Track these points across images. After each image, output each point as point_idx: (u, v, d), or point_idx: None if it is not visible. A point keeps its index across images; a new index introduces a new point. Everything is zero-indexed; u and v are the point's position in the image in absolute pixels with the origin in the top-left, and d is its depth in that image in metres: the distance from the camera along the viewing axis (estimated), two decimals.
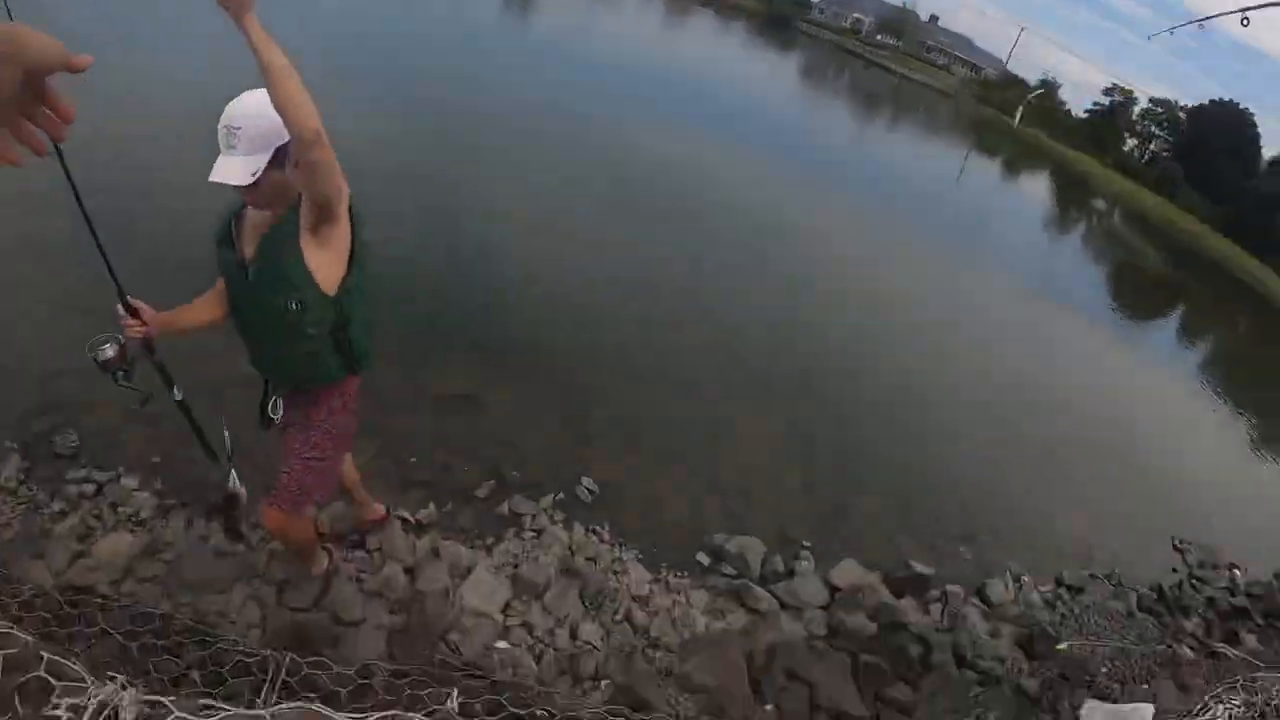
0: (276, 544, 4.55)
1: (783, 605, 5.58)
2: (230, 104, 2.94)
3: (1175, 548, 8.81)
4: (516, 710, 3.54)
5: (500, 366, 7.68)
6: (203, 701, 2.18)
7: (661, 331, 9.51)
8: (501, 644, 4.58)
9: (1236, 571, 8.45)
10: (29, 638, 2.26)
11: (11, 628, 2.29)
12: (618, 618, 4.94)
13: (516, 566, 5.12)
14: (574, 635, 4.75)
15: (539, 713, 3.66)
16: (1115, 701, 5.09)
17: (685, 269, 11.74)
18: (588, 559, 5.32)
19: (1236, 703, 4.31)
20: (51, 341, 6.55)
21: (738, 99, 31.54)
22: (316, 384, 3.50)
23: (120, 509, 5.07)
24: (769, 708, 4.56)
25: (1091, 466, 10.24)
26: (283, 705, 2.26)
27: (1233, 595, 7.78)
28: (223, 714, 2.11)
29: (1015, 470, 9.41)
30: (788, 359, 9.93)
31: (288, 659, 3.40)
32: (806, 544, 6.38)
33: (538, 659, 4.57)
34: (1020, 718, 5.14)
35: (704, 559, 5.87)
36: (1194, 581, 8.07)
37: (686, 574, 5.68)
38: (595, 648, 4.67)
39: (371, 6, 25.57)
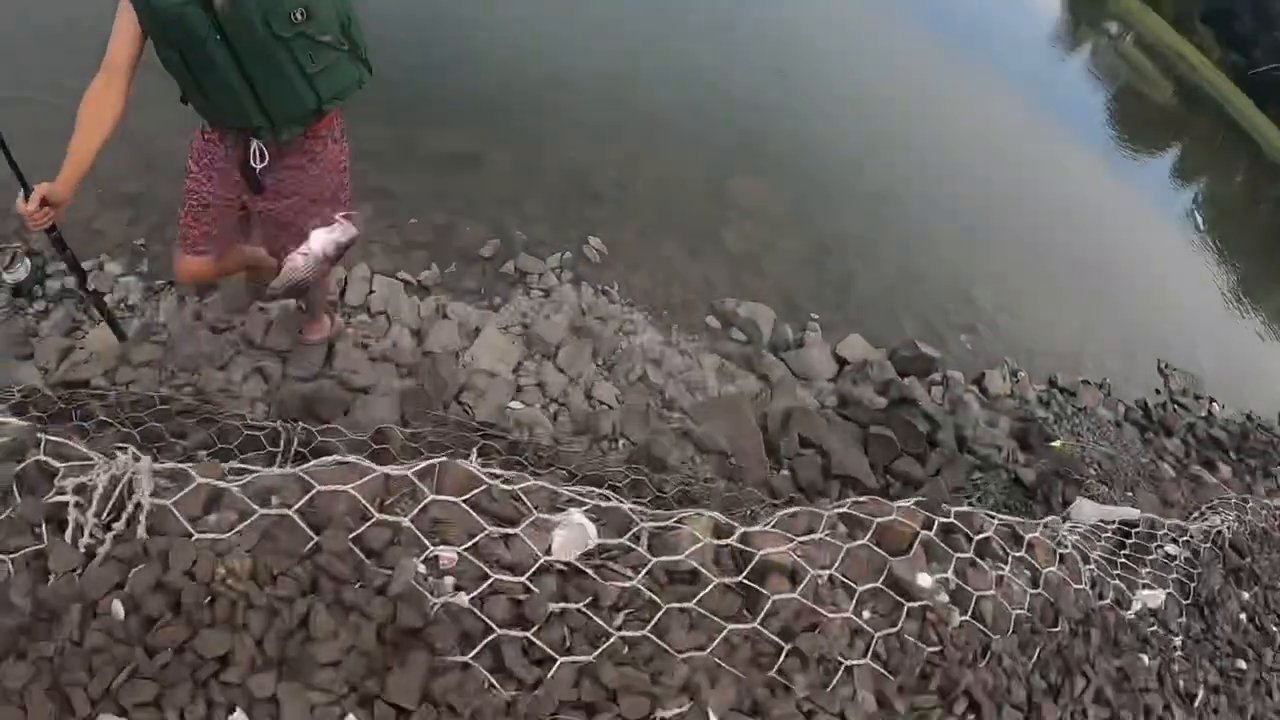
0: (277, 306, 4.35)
1: (793, 373, 5.55)
2: None
3: (1160, 371, 8.90)
4: (537, 469, 3.44)
5: (500, 125, 7.30)
6: (230, 464, 1.99)
7: (668, 93, 9.07)
8: (516, 404, 4.51)
9: (1214, 405, 8.56)
10: (22, 423, 2.03)
11: (6, 418, 2.07)
12: (632, 378, 4.87)
13: (527, 326, 4.99)
14: (589, 395, 4.68)
15: (559, 470, 3.56)
16: (1102, 503, 5.12)
17: (695, 32, 11.11)
18: (599, 319, 5.21)
19: (1231, 517, 4.32)
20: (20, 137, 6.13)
21: None
22: (338, 103, 3.04)
23: (106, 297, 4.81)
24: (784, 473, 4.52)
25: (1085, 281, 10.22)
26: (314, 462, 2.06)
27: (1210, 426, 7.92)
28: (252, 475, 1.92)
29: (1015, 272, 9.35)
30: (796, 134, 9.58)
31: (299, 428, 3.30)
32: (815, 315, 6.34)
33: (553, 418, 4.51)
34: (1016, 503, 5.17)
35: (714, 323, 5.81)
36: (1176, 405, 8.18)
37: (697, 337, 5.63)
38: (611, 408, 4.61)
39: None
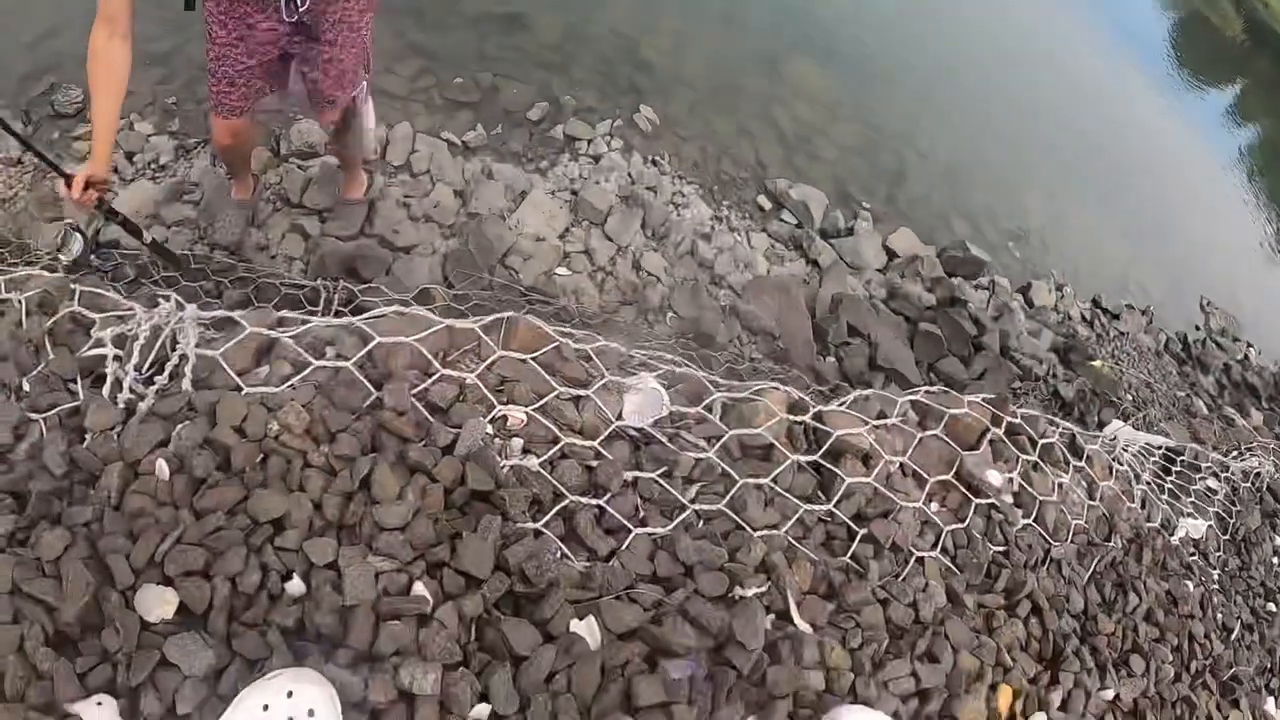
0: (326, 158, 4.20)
1: (842, 260, 5.41)
2: None
3: (1201, 307, 8.70)
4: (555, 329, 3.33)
5: None
6: (280, 314, 1.87)
7: None
8: (563, 270, 4.39)
9: (1251, 350, 8.39)
10: (53, 274, 1.92)
11: (34, 270, 1.96)
12: (681, 251, 4.74)
13: (575, 192, 4.83)
14: (637, 266, 4.55)
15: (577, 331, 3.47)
16: (1136, 429, 5.06)
17: None
18: (649, 189, 5.04)
19: (1269, 463, 4.26)
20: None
21: None
22: None
23: (137, 157, 4.69)
24: (830, 360, 4.44)
25: (1134, 205, 9.90)
26: (374, 312, 1.94)
27: (1245, 370, 7.76)
28: (306, 325, 1.80)
29: (1066, 185, 9.03)
30: (854, 20, 9.05)
31: (339, 287, 3.21)
32: (866, 205, 6.15)
33: (600, 287, 4.40)
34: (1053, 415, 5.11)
35: (765, 203, 5.62)
36: (1214, 343, 8.02)
37: (747, 215, 5.48)
38: (659, 279, 4.48)
39: None
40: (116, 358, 1.62)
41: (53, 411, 1.52)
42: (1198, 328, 8.33)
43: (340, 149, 3.97)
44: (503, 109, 5.48)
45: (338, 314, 3.06)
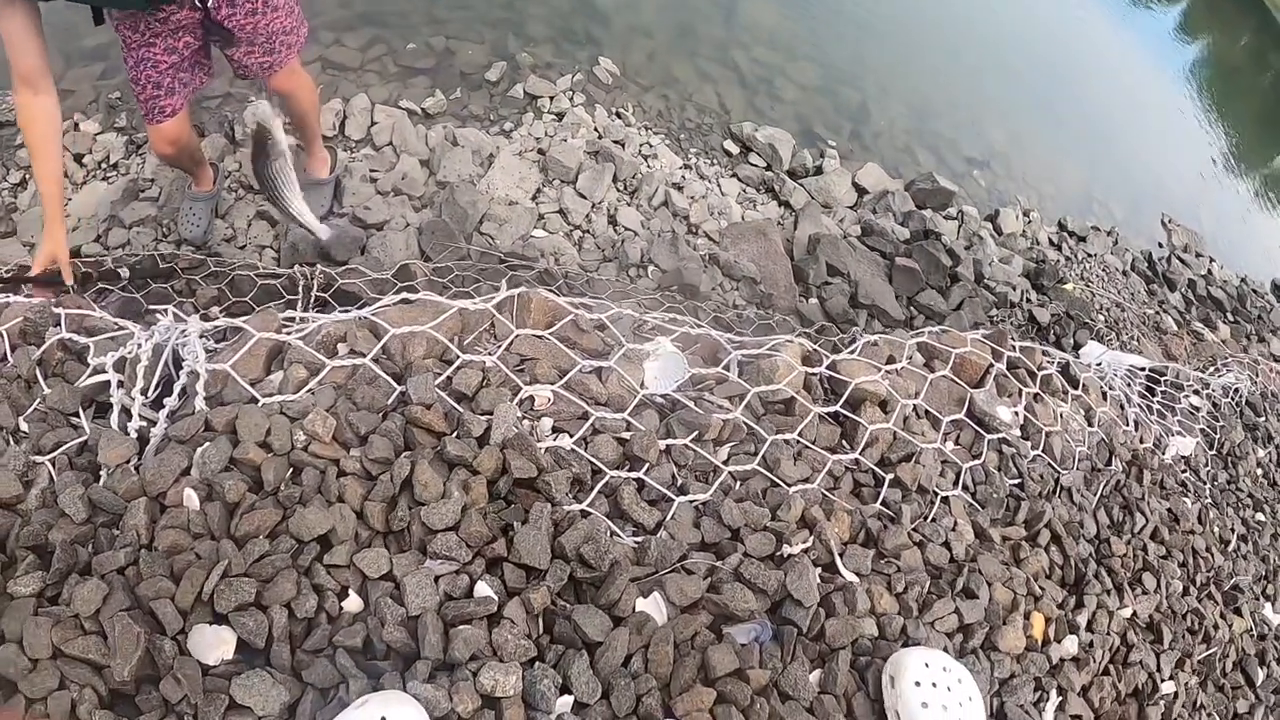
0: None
1: (813, 200, 5.39)
2: None
3: (1163, 225, 8.76)
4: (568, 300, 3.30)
5: None
6: (287, 314, 1.85)
7: None
8: (539, 232, 4.33)
9: (1214, 265, 8.49)
10: (32, 299, 1.84)
11: (8, 298, 1.87)
12: (655, 203, 4.68)
13: (543, 151, 4.73)
14: (613, 221, 4.50)
15: (588, 300, 3.44)
16: (1110, 348, 5.13)
17: None
18: (616, 142, 4.96)
19: (1244, 377, 4.33)
20: None
21: None
22: None
23: (86, 159, 4.51)
24: (812, 301, 4.44)
25: (1090, 127, 9.91)
26: (381, 302, 1.92)
27: (1209, 285, 7.86)
28: (314, 325, 1.78)
29: (1023, 112, 9.04)
30: None
31: (317, 271, 3.11)
32: (832, 143, 6.10)
33: (578, 246, 4.35)
34: (1031, 340, 5.16)
35: (732, 148, 5.58)
36: (1178, 260, 8.10)
37: (716, 161, 5.43)
38: (636, 233, 4.44)
39: None
40: (120, 384, 1.57)
41: (59, 451, 1.46)
42: (1160, 245, 8.41)
43: (296, 122, 3.86)
44: (459, 72, 5.36)
45: (318, 299, 3.02)
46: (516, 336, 1.80)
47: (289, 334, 1.70)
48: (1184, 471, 3.11)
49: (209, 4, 2.79)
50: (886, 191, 5.66)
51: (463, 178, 4.38)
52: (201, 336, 1.67)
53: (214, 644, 1.22)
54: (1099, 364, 3.43)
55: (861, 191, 5.69)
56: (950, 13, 10.11)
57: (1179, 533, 2.70)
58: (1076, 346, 5.23)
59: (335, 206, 4.13)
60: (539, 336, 1.84)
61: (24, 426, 1.52)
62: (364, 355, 1.65)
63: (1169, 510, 2.75)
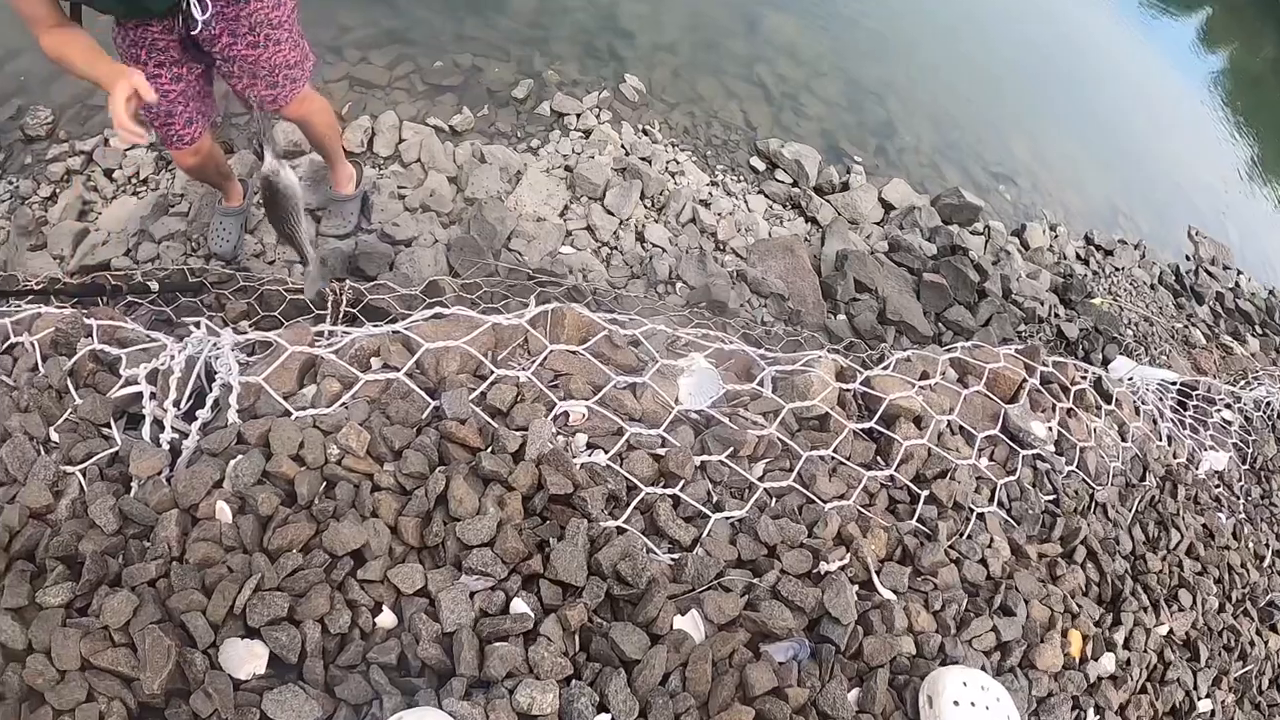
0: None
1: (840, 216, 5.38)
2: None
3: (1190, 237, 8.67)
4: (601, 316, 3.30)
5: None
6: (318, 329, 1.87)
7: None
8: (567, 249, 4.33)
9: (1241, 277, 8.41)
10: (63, 310, 1.84)
11: (39, 308, 1.87)
12: (683, 219, 4.69)
13: (570, 168, 4.75)
14: (640, 238, 4.51)
15: (621, 315, 3.44)
16: (1139, 363, 5.09)
17: None
18: (643, 159, 4.97)
19: (1276, 390, 4.29)
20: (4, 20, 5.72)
21: None
22: None
23: (116, 174, 4.56)
24: (840, 317, 4.43)
25: (1114, 139, 9.84)
26: (415, 316, 1.93)
27: (1237, 298, 7.76)
28: (347, 338, 1.78)
29: (1048, 126, 8.97)
30: None
31: (346, 287, 3.12)
32: (858, 159, 6.08)
33: (606, 262, 4.35)
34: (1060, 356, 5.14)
35: (758, 164, 5.57)
36: (1206, 272, 8.02)
37: (742, 178, 5.42)
38: (664, 250, 4.44)
39: None
40: (152, 395, 1.56)
41: (90, 461, 1.47)
42: (1188, 258, 8.31)
43: (315, 144, 3.88)
44: (487, 89, 5.40)
45: (347, 315, 3.03)
46: (550, 352, 1.80)
47: (322, 348, 1.71)
48: (1218, 487, 3.08)
49: (196, 29, 2.75)
50: (913, 207, 5.64)
51: (491, 194, 4.40)
52: (234, 349, 1.68)
53: (246, 658, 1.22)
54: (1129, 379, 3.40)
55: (888, 207, 5.67)
56: (972, 25, 10.06)
57: (1214, 549, 2.68)
58: (1105, 362, 5.19)
59: (363, 222, 4.15)
60: (573, 352, 1.84)
61: (54, 437, 1.53)
62: (398, 369, 1.65)
63: (1204, 526, 2.73)
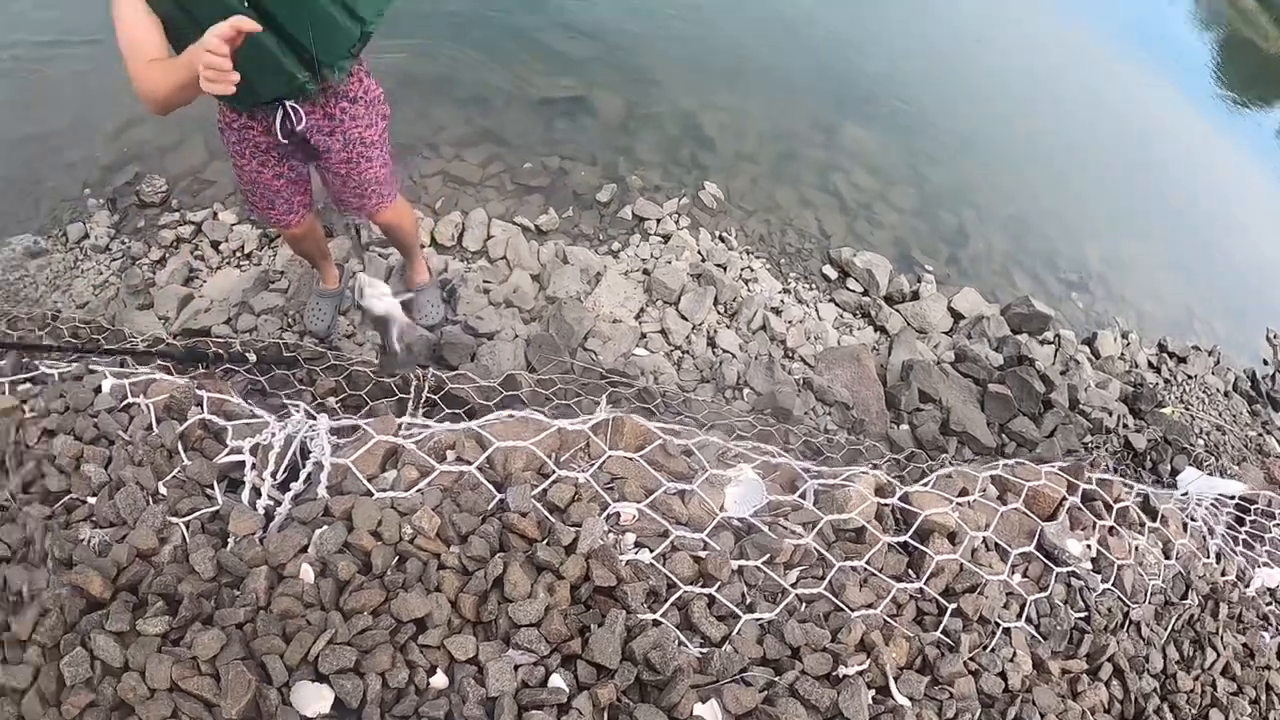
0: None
1: (910, 326, 5.49)
2: None
3: (1269, 340, 8.51)
4: (664, 418, 3.46)
5: (606, 65, 7.24)
6: (401, 421, 2.06)
7: (778, 35, 8.81)
8: (640, 350, 4.52)
9: None
10: (179, 379, 2.08)
11: (154, 372, 2.12)
12: (754, 326, 4.84)
13: (648, 272, 4.98)
14: (712, 343, 4.68)
15: (687, 419, 3.60)
16: (1210, 474, 5.05)
17: None
18: (719, 266, 5.16)
19: None
20: (120, 91, 6.18)
21: None
22: (380, 22, 2.83)
23: (222, 245, 4.92)
24: (903, 427, 4.51)
25: (1190, 239, 9.73)
26: (489, 416, 2.13)
27: None
28: (428, 431, 1.99)
29: (1123, 227, 8.90)
30: (907, 79, 9.19)
31: (429, 374, 3.33)
32: (929, 267, 6.21)
33: (678, 365, 4.52)
34: (1126, 468, 5.12)
35: (830, 273, 5.73)
36: None
37: (814, 286, 5.58)
38: (734, 355, 4.60)
39: None
40: (253, 465, 1.79)
41: (193, 516, 1.69)
42: (1265, 362, 8.15)
43: (396, 244, 4.17)
44: (573, 192, 5.67)
45: (428, 400, 3.23)
46: (609, 457, 1.98)
47: (405, 438, 1.92)
48: (1269, 604, 3.07)
49: (292, 136, 2.98)
50: (981, 317, 5.72)
51: (571, 294, 4.62)
52: (328, 432, 1.90)
53: (314, 699, 1.43)
54: (1184, 493, 3.42)
55: (957, 317, 5.77)
56: (1045, 128, 10.08)
57: (1254, 668, 2.67)
58: (1174, 472, 5.17)
59: (450, 313, 4.40)
60: (629, 458, 2.01)
61: (163, 490, 1.76)
62: (470, 463, 1.85)
63: (1245, 645, 2.73)
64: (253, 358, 3.18)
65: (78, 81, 6.25)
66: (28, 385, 2.04)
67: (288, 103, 2.86)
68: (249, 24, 2.07)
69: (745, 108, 7.23)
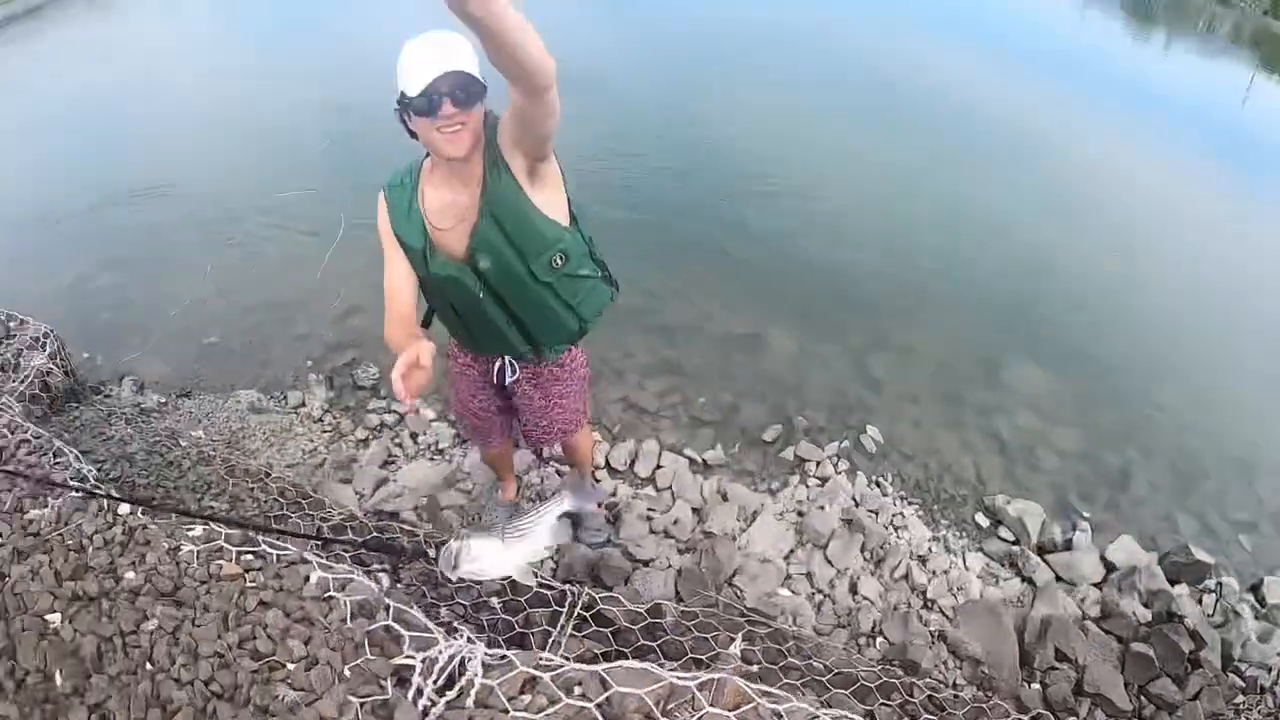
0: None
1: (1057, 578, 5.56)
2: (418, 46, 2.62)
3: None
4: (795, 661, 3.86)
5: (785, 303, 7.84)
6: (542, 656, 2.57)
7: (955, 268, 9.17)
8: (784, 591, 4.83)
9: None
10: (374, 585, 2.71)
11: (352, 573, 2.74)
12: (897, 575, 5.08)
13: (801, 514, 5.35)
14: (854, 589, 4.94)
15: (816, 664, 3.96)
16: None
17: (983, 206, 10.97)
18: (870, 511, 5.45)
19: None
20: (350, 280, 7.45)
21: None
22: (597, 321, 3.42)
23: (420, 439, 5.71)
24: (1035, 686, 4.64)
25: None
26: (626, 662, 2.61)
27: None
28: (562, 669, 2.49)
29: None
30: (1082, 311, 9.29)
31: (584, 593, 3.83)
32: (1085, 515, 6.28)
33: (817, 609, 4.81)
34: None
35: (982, 520, 5.88)
36: None
37: (964, 534, 5.73)
38: (873, 604, 4.86)
39: None
40: (420, 671, 2.36)
41: (368, 700, 2.25)
42: None
43: (570, 462, 4.86)
44: (740, 429, 6.17)
45: (579, 617, 3.72)
46: (705, 713, 2.43)
47: (543, 670, 2.45)
48: None
49: (506, 382, 3.70)
50: (1135, 568, 5.63)
51: (725, 531, 5.07)
52: (483, 657, 2.46)
53: None
54: None
55: (1110, 568, 5.77)
56: (1230, 351, 9.72)
57: None
58: None
59: (613, 535, 4.94)
60: (723, 715, 2.46)
61: (347, 673, 2.34)
62: (590, 701, 2.35)
63: None
64: (433, 554, 3.78)
65: (336, 266, 7.40)
66: (250, 558, 2.71)
67: (507, 358, 3.54)
68: (427, 358, 2.66)
69: (915, 346, 7.60)
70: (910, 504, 5.78)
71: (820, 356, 7.18)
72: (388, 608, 2.57)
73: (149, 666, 2.32)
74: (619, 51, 15.55)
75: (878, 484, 5.86)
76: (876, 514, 5.49)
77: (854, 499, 5.58)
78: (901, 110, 14.07)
